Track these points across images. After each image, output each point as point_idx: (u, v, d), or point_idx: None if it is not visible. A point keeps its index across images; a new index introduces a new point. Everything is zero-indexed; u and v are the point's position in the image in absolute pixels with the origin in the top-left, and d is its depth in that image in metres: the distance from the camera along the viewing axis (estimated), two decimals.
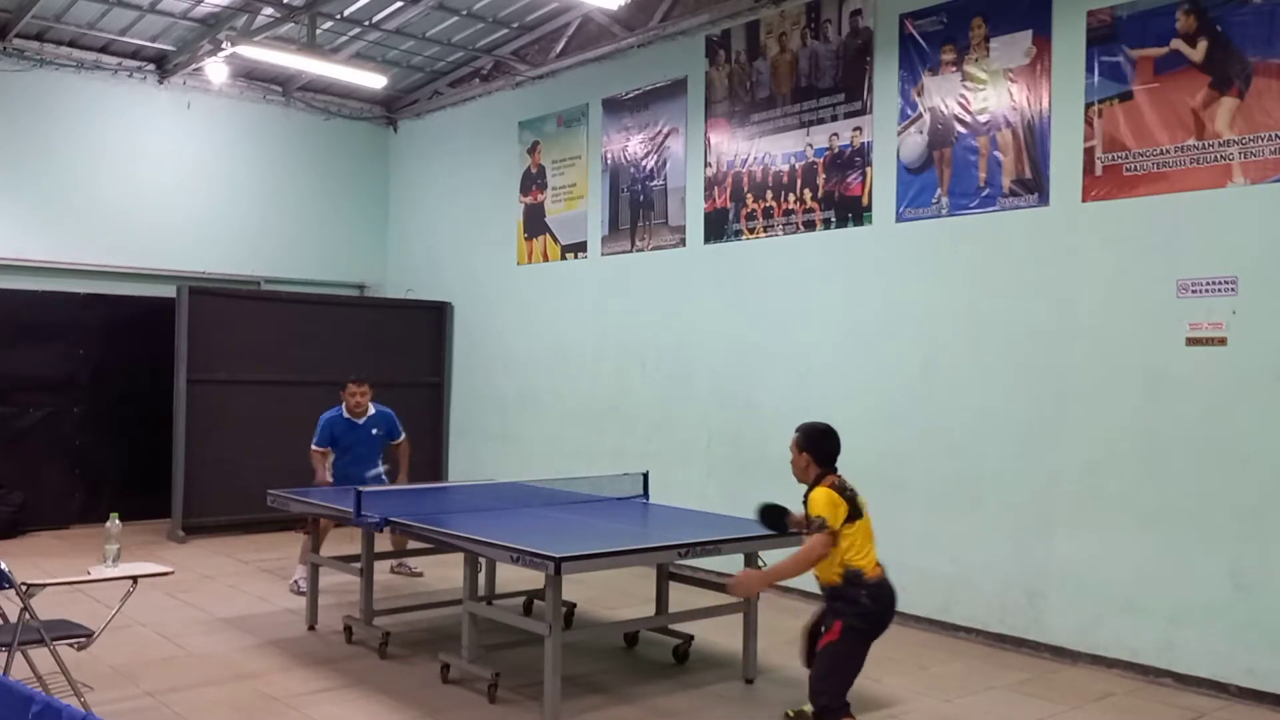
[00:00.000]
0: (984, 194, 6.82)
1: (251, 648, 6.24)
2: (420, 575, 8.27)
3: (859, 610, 4.44)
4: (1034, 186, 6.55)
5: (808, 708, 4.82)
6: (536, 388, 10.34)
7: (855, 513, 4.47)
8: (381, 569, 7.95)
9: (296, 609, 7.08)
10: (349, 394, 7.79)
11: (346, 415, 7.78)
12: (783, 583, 7.52)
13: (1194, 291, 5.81)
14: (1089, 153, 6.28)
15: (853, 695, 4.61)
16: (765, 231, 8.22)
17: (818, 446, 4.63)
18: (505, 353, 10.78)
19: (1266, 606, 5.49)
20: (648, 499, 6.94)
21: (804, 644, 4.85)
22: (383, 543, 6.86)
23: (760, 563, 5.84)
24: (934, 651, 6.46)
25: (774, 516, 5.06)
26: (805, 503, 4.58)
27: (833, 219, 7.74)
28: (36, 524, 9.90)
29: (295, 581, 7.65)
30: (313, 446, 7.74)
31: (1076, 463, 6.28)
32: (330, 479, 7.65)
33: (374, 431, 7.90)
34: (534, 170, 10.48)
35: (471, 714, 5.17)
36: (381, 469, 8.02)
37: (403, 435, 8.10)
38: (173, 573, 5.45)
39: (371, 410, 7.90)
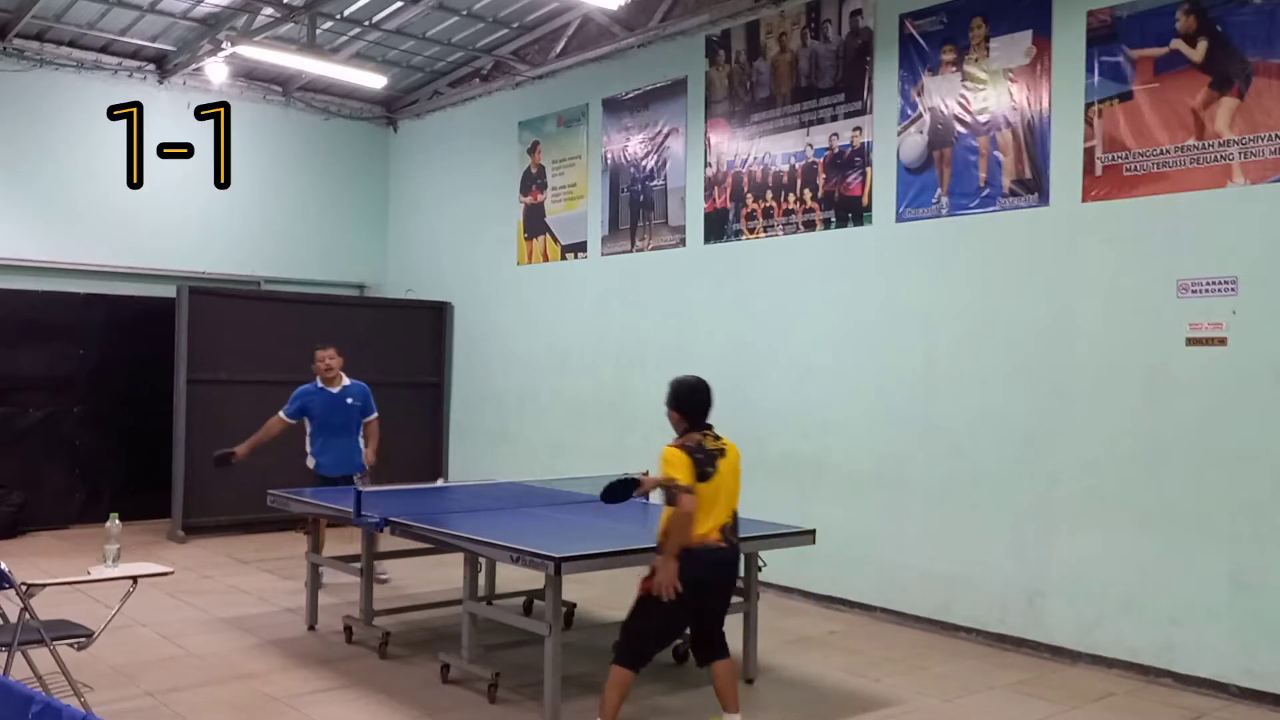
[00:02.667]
0: (984, 194, 6.82)
1: (251, 648, 6.23)
2: (386, 580, 7.95)
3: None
4: (1034, 186, 6.55)
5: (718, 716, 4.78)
6: (536, 388, 10.34)
7: (701, 476, 4.40)
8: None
9: (296, 609, 7.08)
10: (318, 360, 7.65)
11: (320, 385, 7.68)
12: (784, 582, 7.56)
13: (1194, 291, 5.81)
14: (1089, 153, 6.28)
15: (851, 694, 4.61)
16: (765, 231, 8.22)
17: (683, 402, 4.60)
18: (505, 353, 10.78)
19: (1266, 606, 5.49)
20: (648, 499, 6.93)
21: None
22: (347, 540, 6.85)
23: (760, 563, 5.85)
24: (934, 651, 6.46)
25: (623, 489, 4.56)
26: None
27: (833, 219, 7.74)
28: (36, 524, 9.90)
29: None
30: (279, 414, 7.56)
31: (1076, 463, 6.28)
32: (246, 447, 7.39)
33: (349, 401, 7.75)
34: (534, 170, 10.48)
35: (471, 714, 5.17)
36: (363, 451, 7.83)
37: (375, 413, 7.93)
38: (173, 573, 5.46)
39: (346, 381, 7.78)
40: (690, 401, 4.59)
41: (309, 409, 7.66)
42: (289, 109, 11.81)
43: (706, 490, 4.41)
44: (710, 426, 4.61)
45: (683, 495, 4.30)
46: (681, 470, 4.36)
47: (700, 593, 4.46)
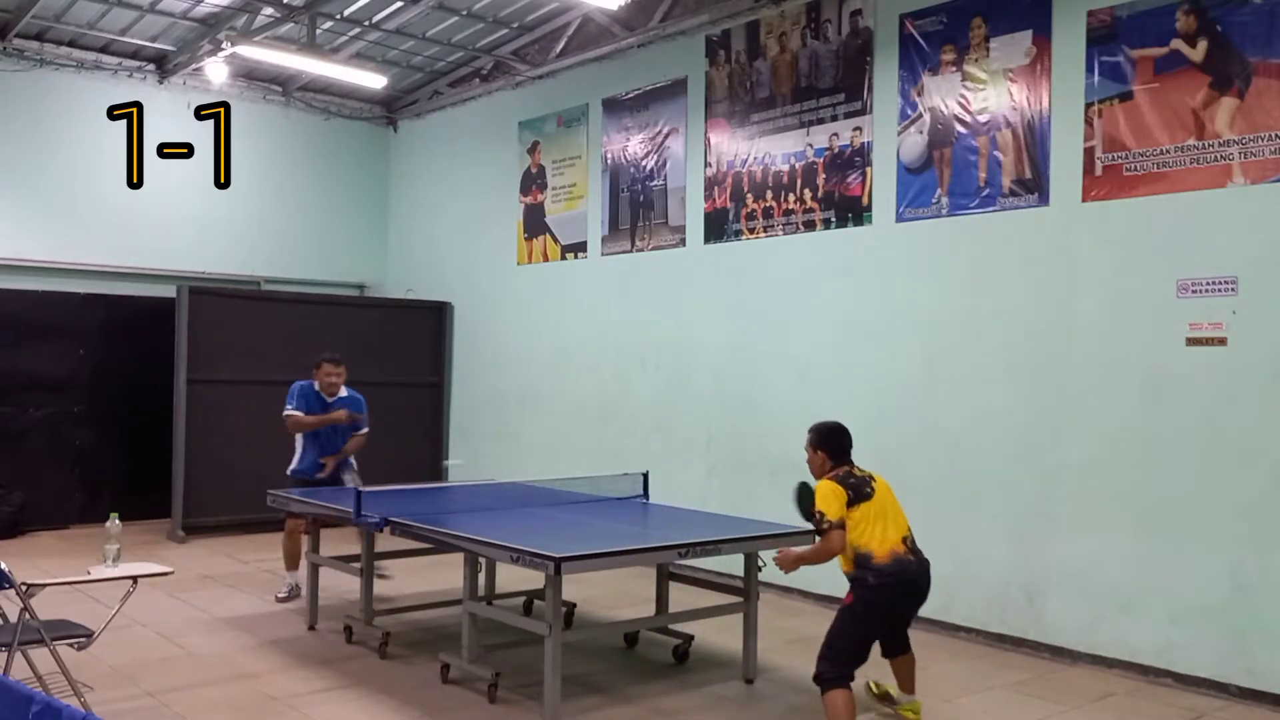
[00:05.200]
0: (984, 194, 6.82)
1: (251, 648, 6.24)
2: (389, 578, 7.90)
3: (865, 585, 4.66)
4: (1034, 186, 6.55)
5: (891, 686, 5.22)
6: (536, 388, 10.34)
7: (860, 497, 4.72)
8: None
9: (297, 609, 7.08)
10: (324, 374, 7.43)
11: (318, 390, 7.45)
12: (784, 582, 7.56)
13: (1194, 291, 5.81)
14: (1089, 153, 6.28)
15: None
16: (765, 231, 8.22)
17: (830, 443, 4.99)
18: (505, 353, 10.78)
19: (1266, 606, 5.49)
20: (648, 499, 6.94)
21: None
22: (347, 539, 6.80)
23: (760, 563, 5.86)
24: (934, 651, 6.45)
25: (806, 500, 5.13)
26: None
27: (833, 219, 7.74)
28: (36, 524, 9.89)
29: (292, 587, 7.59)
30: (289, 411, 7.38)
31: (1076, 463, 6.28)
32: (314, 418, 7.33)
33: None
34: (534, 170, 10.48)
35: (471, 714, 5.17)
36: (353, 465, 7.67)
37: (365, 429, 7.61)
38: (173, 573, 5.45)
39: (344, 393, 7.52)
40: (835, 441, 4.98)
41: (310, 410, 7.43)
42: (289, 109, 11.81)
43: (873, 507, 4.73)
44: (852, 463, 4.95)
45: (833, 531, 4.63)
46: (835, 501, 4.67)
47: (900, 606, 4.81)
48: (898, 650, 5.13)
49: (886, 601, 4.70)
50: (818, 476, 4.96)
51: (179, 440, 9.86)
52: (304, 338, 10.49)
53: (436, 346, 11.58)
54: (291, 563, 7.53)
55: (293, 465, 7.56)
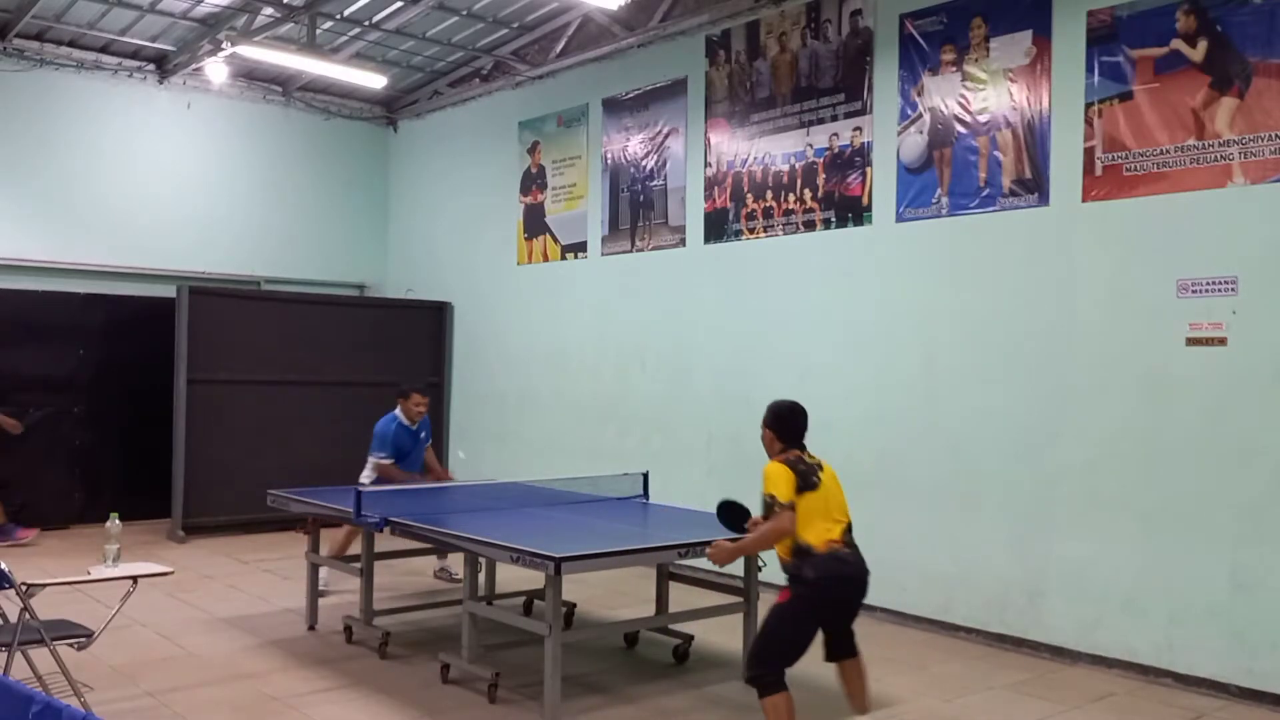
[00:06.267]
0: (984, 194, 6.82)
1: (251, 648, 6.24)
2: (459, 581, 8.05)
3: (801, 580, 4.41)
4: (1034, 186, 6.55)
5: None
6: (536, 388, 10.34)
7: (806, 486, 4.44)
8: (400, 570, 7.89)
9: (296, 609, 7.08)
10: (414, 403, 7.76)
11: (403, 422, 7.77)
12: (784, 582, 7.55)
13: (1194, 291, 5.81)
14: (1089, 153, 6.28)
15: None
16: (765, 231, 8.22)
17: (781, 423, 4.70)
18: (505, 353, 10.78)
19: (1266, 606, 5.49)
20: (648, 499, 6.94)
21: None
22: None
23: (760, 563, 5.85)
24: (934, 651, 6.46)
25: (734, 515, 4.83)
26: None
27: (833, 219, 7.74)
28: (36, 524, 9.89)
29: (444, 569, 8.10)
30: (380, 460, 7.61)
31: (1076, 463, 6.28)
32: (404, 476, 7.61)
33: (422, 435, 7.95)
34: (534, 170, 10.48)
35: (471, 714, 5.17)
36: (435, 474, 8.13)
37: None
38: (173, 573, 5.45)
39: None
40: (788, 423, 4.69)
41: (400, 448, 7.71)
42: (289, 109, 11.80)
43: (817, 498, 4.46)
44: (804, 448, 4.67)
45: (784, 512, 4.37)
46: (784, 485, 4.41)
47: (837, 605, 4.55)
48: (843, 652, 4.73)
49: (823, 600, 4.45)
50: (770, 456, 4.71)
51: (179, 440, 9.86)
52: (304, 338, 10.53)
53: (436, 346, 11.58)
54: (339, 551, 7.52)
55: (368, 479, 7.68)
